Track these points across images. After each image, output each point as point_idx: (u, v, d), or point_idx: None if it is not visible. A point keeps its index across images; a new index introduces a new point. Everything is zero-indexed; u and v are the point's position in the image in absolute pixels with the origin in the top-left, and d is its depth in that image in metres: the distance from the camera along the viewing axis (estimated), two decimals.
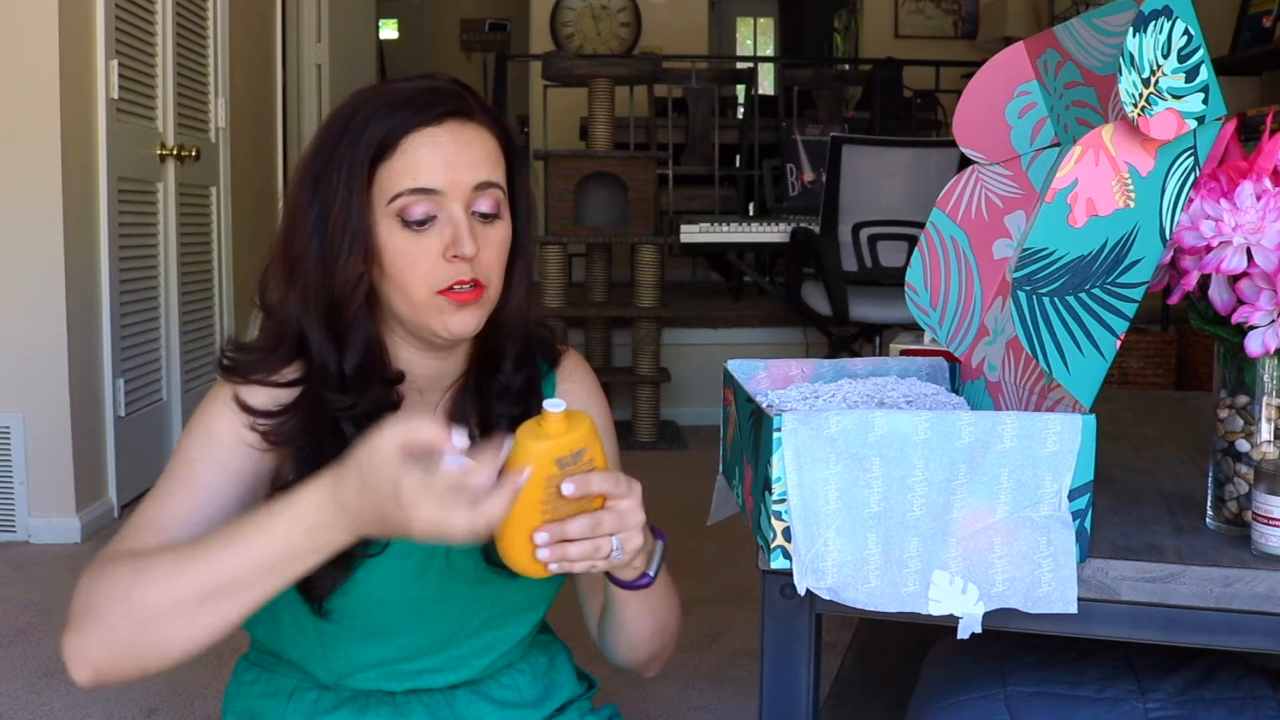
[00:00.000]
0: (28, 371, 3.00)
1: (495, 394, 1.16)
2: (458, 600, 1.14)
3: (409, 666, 1.15)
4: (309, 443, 1.08)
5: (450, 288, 1.06)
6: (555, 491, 0.93)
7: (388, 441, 0.87)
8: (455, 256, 1.05)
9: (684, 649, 2.32)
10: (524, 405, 1.16)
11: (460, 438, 0.87)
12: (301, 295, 1.08)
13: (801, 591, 0.97)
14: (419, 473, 0.87)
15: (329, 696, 1.16)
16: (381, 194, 1.05)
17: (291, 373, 1.10)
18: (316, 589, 1.07)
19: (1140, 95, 0.92)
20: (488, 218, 1.08)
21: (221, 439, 1.08)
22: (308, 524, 0.91)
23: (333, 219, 1.05)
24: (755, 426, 1.02)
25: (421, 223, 1.05)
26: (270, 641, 1.18)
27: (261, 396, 1.09)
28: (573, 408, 1.01)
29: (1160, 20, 0.91)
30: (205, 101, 3.88)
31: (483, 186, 1.07)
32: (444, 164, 1.05)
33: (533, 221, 1.15)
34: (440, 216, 1.06)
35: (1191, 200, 0.99)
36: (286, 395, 1.10)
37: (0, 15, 2.91)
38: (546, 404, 0.93)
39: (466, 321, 1.08)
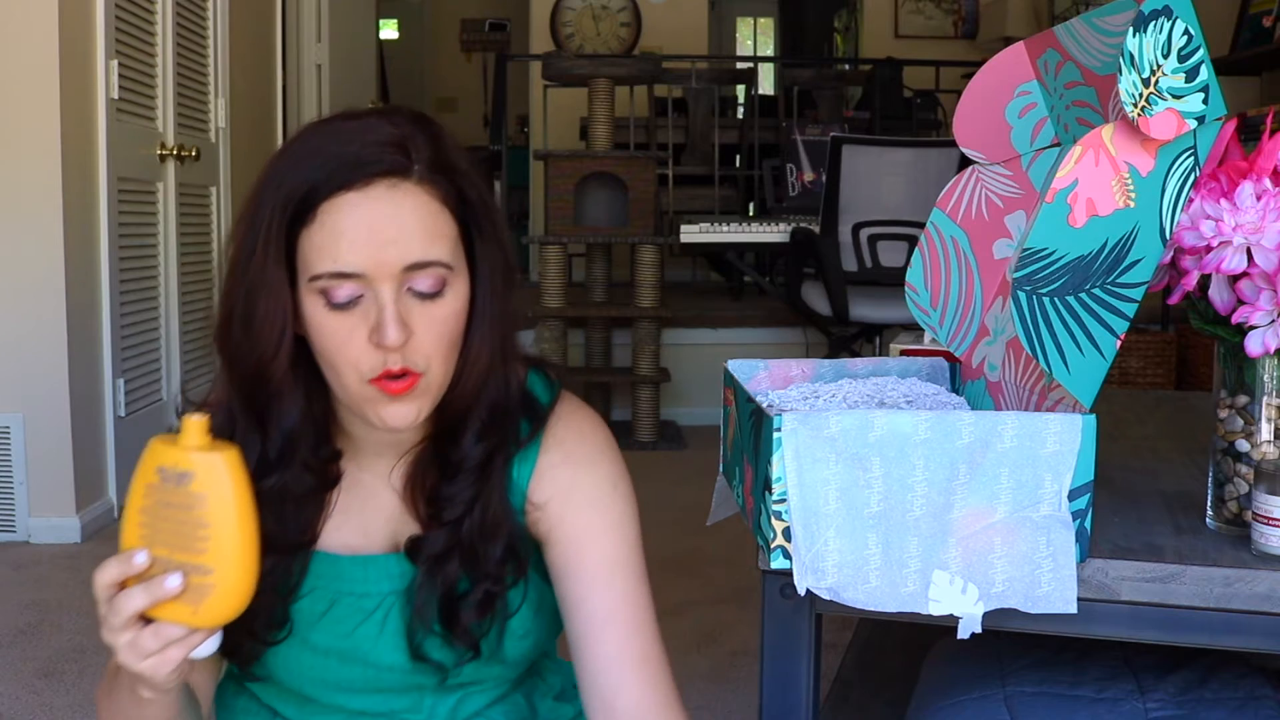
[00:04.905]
0: (28, 371, 3.00)
1: (449, 473, 1.01)
2: (397, 683, 1.06)
3: None
4: None
5: (380, 377, 0.94)
6: (154, 508, 0.87)
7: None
8: (380, 345, 0.93)
9: (684, 649, 2.31)
10: (480, 487, 1.02)
11: (142, 556, 0.87)
12: (228, 360, 0.99)
13: (801, 591, 0.97)
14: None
15: None
16: (304, 266, 0.94)
17: None
18: (237, 662, 1.06)
19: (1140, 95, 0.92)
20: (426, 295, 0.95)
21: None
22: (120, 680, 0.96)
23: (251, 278, 0.95)
24: (755, 426, 1.02)
25: (347, 304, 0.94)
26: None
27: None
28: (550, 492, 0.99)
29: (1160, 20, 0.91)
30: (205, 101, 3.88)
31: (416, 267, 0.93)
32: (367, 242, 0.92)
33: (502, 274, 1.00)
34: (367, 295, 0.93)
35: (1191, 200, 0.99)
36: None
37: (0, 15, 2.91)
38: (191, 417, 0.88)
39: (403, 414, 0.96)
